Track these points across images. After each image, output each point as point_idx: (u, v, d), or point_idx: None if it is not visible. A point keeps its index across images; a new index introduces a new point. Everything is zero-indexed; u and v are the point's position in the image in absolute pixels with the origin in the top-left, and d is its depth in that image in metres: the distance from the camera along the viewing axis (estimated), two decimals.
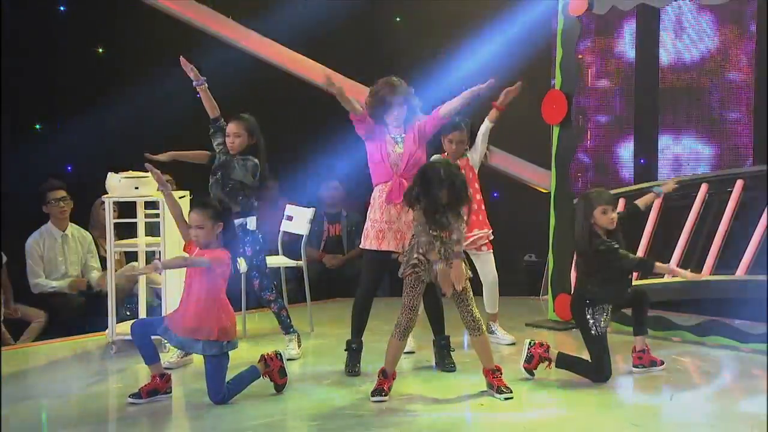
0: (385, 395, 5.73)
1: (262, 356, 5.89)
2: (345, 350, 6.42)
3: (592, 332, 6.04)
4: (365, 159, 6.45)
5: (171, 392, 5.81)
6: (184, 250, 5.83)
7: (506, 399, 5.69)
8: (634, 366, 6.33)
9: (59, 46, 9.15)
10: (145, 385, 5.74)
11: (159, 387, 5.74)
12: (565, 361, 6.18)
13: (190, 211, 5.76)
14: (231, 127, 6.69)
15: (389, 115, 6.33)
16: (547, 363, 6.13)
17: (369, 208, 6.41)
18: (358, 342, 6.37)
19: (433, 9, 9.79)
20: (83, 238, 8.21)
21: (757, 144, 7.86)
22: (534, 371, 6.15)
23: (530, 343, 6.20)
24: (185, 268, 5.76)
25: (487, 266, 7.04)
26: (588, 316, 6.05)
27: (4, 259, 7.87)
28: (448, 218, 5.65)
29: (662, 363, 6.34)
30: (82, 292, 8.00)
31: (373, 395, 5.73)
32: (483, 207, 7.04)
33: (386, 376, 5.78)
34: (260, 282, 6.75)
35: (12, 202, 8.38)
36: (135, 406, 5.70)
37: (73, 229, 8.16)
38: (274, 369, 5.87)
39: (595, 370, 6.07)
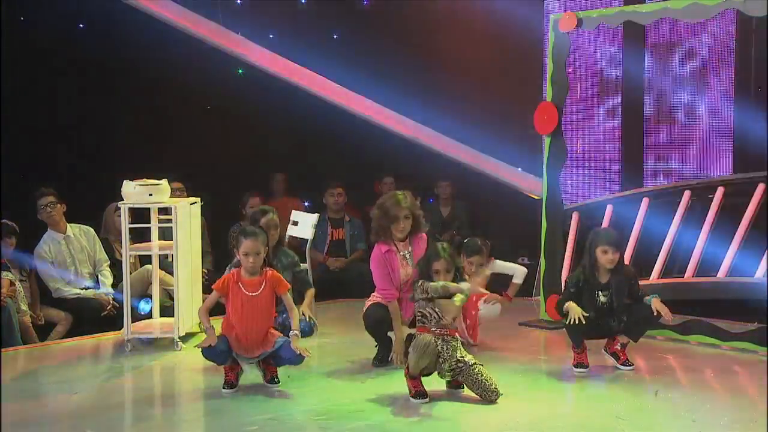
0: (425, 396, 5.77)
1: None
2: (375, 347, 6.62)
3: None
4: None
5: None
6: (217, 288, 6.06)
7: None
8: (604, 349, 6.53)
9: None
10: (230, 377, 6.06)
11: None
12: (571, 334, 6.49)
13: (243, 240, 5.92)
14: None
15: (396, 228, 6.50)
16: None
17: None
18: (383, 341, 6.60)
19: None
20: (85, 234, 8.16)
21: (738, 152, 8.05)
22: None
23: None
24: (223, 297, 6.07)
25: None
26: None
27: (34, 264, 7.95)
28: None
29: (624, 364, 6.47)
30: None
31: (414, 398, 5.77)
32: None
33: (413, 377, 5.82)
34: None
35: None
36: (145, 404, 5.95)
37: (73, 228, 8.11)
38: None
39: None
